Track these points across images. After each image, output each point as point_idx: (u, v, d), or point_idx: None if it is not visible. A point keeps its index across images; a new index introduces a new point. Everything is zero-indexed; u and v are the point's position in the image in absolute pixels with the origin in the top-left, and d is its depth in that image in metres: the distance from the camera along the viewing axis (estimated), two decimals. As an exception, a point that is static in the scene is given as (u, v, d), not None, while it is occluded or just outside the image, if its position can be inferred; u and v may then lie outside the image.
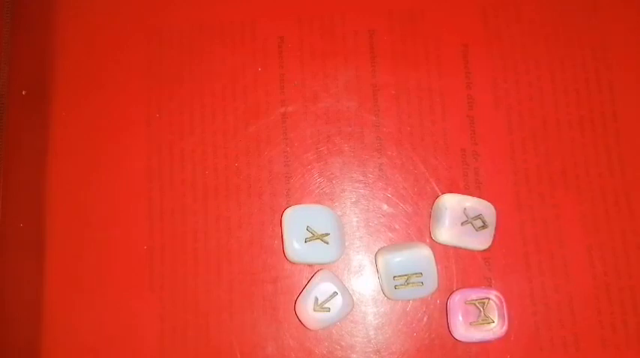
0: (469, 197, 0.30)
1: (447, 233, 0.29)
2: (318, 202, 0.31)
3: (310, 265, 0.30)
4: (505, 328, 0.29)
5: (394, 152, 0.31)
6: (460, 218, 0.29)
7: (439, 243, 0.30)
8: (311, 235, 0.29)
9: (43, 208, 0.31)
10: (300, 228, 0.29)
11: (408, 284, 0.29)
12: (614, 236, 0.30)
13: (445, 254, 0.30)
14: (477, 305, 0.29)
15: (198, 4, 0.33)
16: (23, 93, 0.33)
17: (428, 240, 0.31)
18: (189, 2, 0.33)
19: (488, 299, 0.29)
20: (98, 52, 0.33)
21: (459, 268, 0.30)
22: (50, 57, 0.33)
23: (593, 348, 0.30)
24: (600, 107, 0.32)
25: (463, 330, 0.29)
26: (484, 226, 0.29)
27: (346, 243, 0.31)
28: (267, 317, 0.30)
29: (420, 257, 0.29)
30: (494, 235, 0.30)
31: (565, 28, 0.33)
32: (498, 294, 0.29)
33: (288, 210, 0.30)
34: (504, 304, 0.29)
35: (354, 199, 0.31)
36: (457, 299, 0.29)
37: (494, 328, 0.29)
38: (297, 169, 0.31)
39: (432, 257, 0.29)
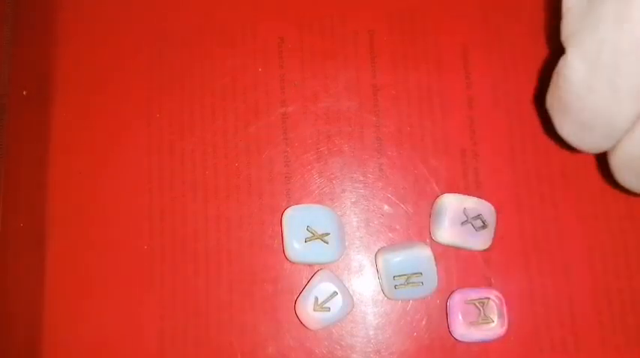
0: (469, 197, 0.30)
1: (447, 233, 0.29)
2: (318, 202, 0.31)
3: (310, 265, 0.30)
4: (505, 328, 0.29)
5: (394, 152, 0.31)
6: (460, 218, 0.29)
7: (439, 243, 0.30)
8: (311, 235, 0.29)
9: (43, 208, 0.31)
10: (300, 228, 0.29)
11: (407, 284, 0.29)
12: (614, 236, 0.30)
13: (445, 254, 0.30)
14: (477, 305, 0.29)
15: (198, 5, 0.33)
16: (24, 93, 0.33)
17: (428, 240, 0.31)
18: (189, 3, 0.34)
19: (488, 299, 0.29)
20: (99, 52, 0.33)
21: (459, 268, 0.30)
22: (51, 57, 0.33)
23: (593, 348, 0.29)
24: (600, 107, 0.32)
25: (463, 330, 0.29)
26: (484, 226, 0.29)
27: (346, 243, 0.31)
28: (267, 317, 0.30)
29: (419, 257, 0.29)
30: (494, 235, 0.30)
31: (565, 29, 0.33)
32: (498, 294, 0.29)
33: (288, 210, 0.30)
34: (504, 304, 0.29)
35: (354, 199, 0.31)
36: (457, 299, 0.29)
37: (494, 328, 0.29)
38: (297, 169, 0.32)
39: (432, 257, 0.29)
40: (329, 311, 0.29)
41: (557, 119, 0.25)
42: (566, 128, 0.25)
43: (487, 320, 0.29)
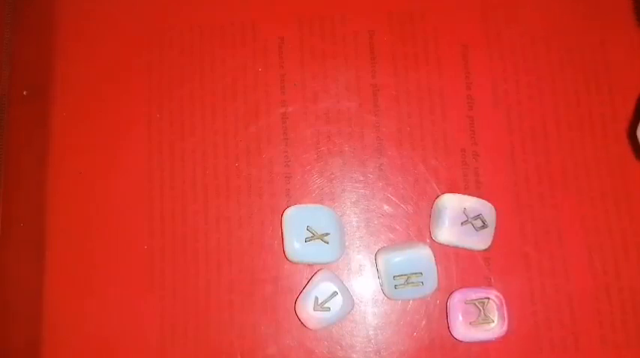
0: (469, 197, 0.30)
1: (447, 233, 0.29)
2: (318, 202, 0.31)
3: (310, 265, 0.30)
4: (505, 328, 0.29)
5: (394, 152, 0.31)
6: (460, 218, 0.29)
7: (439, 243, 0.30)
8: (311, 235, 0.29)
9: (43, 208, 0.31)
10: (300, 228, 0.29)
11: (407, 284, 0.29)
12: (614, 236, 0.30)
13: (445, 254, 0.30)
14: (477, 304, 0.29)
15: (198, 4, 0.33)
16: (24, 93, 0.33)
17: (428, 240, 0.31)
18: (189, 3, 0.34)
19: (488, 299, 0.29)
20: (99, 52, 0.33)
21: (459, 268, 0.30)
22: (51, 57, 0.33)
23: (593, 348, 0.29)
24: (600, 107, 0.32)
25: (463, 330, 0.29)
26: (484, 226, 0.29)
27: (346, 243, 0.31)
28: (267, 317, 0.30)
29: (419, 257, 0.29)
30: (494, 235, 0.30)
31: (564, 28, 0.33)
32: (498, 294, 0.29)
33: (288, 210, 0.30)
34: (504, 304, 0.29)
35: (354, 199, 0.31)
36: (457, 299, 0.29)
37: (494, 328, 0.29)
38: (297, 169, 0.32)
39: (432, 257, 0.29)
40: (329, 311, 0.29)
41: None
42: None
43: (487, 320, 0.29)
